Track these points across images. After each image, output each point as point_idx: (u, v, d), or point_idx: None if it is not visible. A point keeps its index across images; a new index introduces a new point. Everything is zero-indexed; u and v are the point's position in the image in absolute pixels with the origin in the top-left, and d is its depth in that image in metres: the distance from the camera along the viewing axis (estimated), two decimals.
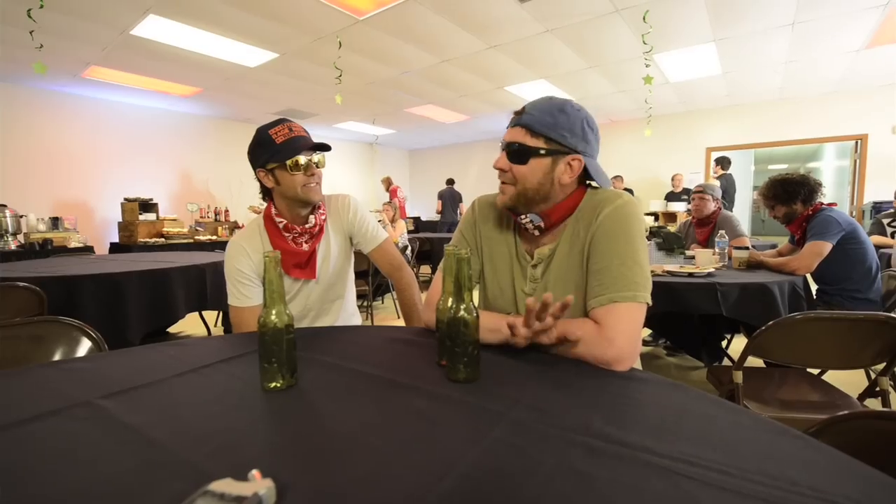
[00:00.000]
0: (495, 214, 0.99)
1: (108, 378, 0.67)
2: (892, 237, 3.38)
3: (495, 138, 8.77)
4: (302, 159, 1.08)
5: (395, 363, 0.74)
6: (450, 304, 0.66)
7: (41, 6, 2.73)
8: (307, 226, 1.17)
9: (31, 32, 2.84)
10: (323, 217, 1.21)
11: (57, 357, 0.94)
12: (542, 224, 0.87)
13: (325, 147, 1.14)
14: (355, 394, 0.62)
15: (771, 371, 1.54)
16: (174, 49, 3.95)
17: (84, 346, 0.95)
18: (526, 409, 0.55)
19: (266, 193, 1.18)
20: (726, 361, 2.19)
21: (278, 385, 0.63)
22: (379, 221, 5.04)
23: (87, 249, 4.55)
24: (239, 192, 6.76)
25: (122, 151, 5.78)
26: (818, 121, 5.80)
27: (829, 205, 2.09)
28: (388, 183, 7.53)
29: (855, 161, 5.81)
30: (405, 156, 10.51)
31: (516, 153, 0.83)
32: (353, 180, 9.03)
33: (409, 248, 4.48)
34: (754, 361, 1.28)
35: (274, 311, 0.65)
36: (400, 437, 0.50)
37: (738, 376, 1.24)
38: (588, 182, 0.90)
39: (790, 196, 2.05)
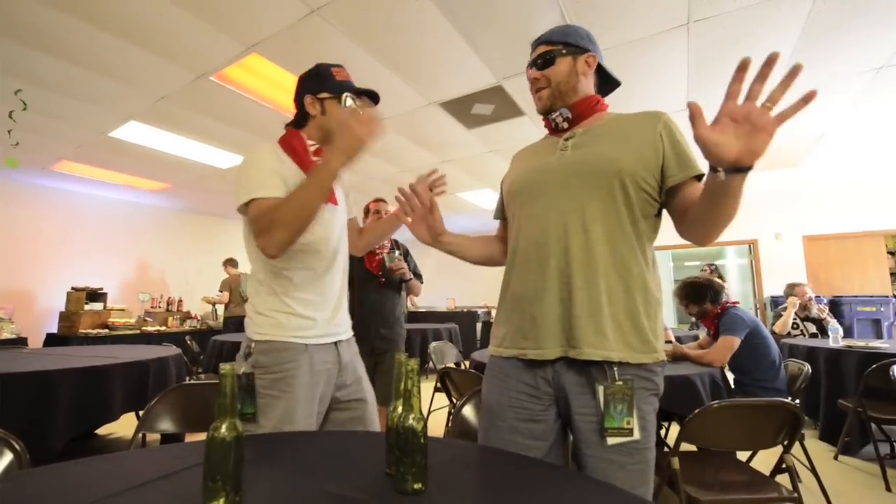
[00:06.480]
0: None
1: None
2: (794, 328, 3.83)
3: None
4: (356, 102, 1.18)
5: (344, 474, 0.75)
6: (399, 411, 0.70)
7: (24, 108, 2.70)
8: None
9: (9, 132, 2.77)
10: None
11: None
12: (569, 115, 1.01)
13: (376, 99, 1.22)
14: None
15: (702, 455, 1.65)
16: (149, 150, 4.05)
17: (4, 459, 0.85)
18: None
19: (298, 122, 1.21)
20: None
21: None
22: None
23: (20, 341, 4.05)
24: (196, 281, 6.42)
25: (76, 240, 5.51)
26: None
27: (733, 303, 2.43)
28: None
29: (751, 261, 6.75)
30: None
31: (545, 60, 1.01)
32: None
33: None
34: (686, 446, 1.38)
35: (225, 425, 0.63)
36: None
37: (675, 462, 1.32)
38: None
39: (699, 296, 2.37)
